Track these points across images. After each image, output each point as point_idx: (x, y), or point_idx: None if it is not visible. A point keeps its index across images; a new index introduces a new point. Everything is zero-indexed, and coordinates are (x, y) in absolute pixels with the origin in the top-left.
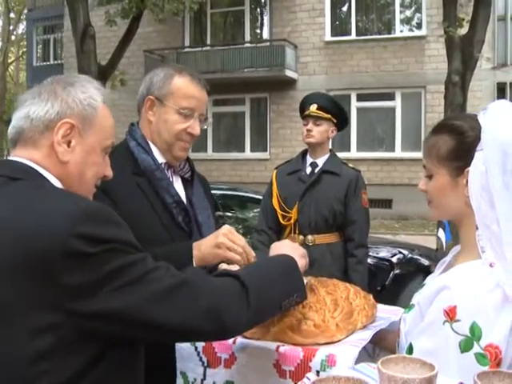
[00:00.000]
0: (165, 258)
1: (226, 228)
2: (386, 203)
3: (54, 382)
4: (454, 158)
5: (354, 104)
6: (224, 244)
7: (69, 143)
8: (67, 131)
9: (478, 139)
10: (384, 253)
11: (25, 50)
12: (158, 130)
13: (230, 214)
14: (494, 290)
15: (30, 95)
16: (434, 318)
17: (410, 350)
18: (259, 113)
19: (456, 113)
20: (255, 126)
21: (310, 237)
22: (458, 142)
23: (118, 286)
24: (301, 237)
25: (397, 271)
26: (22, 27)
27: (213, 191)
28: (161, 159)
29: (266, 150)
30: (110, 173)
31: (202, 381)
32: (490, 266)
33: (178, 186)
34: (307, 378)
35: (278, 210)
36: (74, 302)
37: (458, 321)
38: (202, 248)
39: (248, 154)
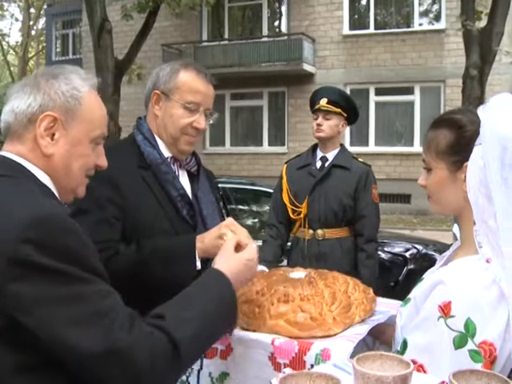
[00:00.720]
0: (167, 249)
1: (228, 220)
2: (405, 198)
3: None
4: (453, 152)
5: (373, 98)
6: (226, 235)
7: (52, 136)
8: (50, 124)
9: (476, 133)
10: (398, 248)
11: (44, 44)
12: (163, 124)
13: (245, 208)
14: (490, 287)
15: (16, 88)
16: (429, 313)
17: (405, 345)
18: (277, 107)
19: (474, 107)
20: (273, 120)
21: (319, 231)
22: (457, 136)
23: (48, 299)
24: (311, 231)
25: (410, 266)
26: (41, 22)
27: (228, 185)
28: (167, 153)
29: (283, 144)
30: (103, 163)
31: (199, 371)
32: (487, 261)
33: (184, 180)
34: (283, 372)
35: (288, 204)
36: (15, 311)
37: (452, 317)
38: (206, 240)
39: (266, 148)
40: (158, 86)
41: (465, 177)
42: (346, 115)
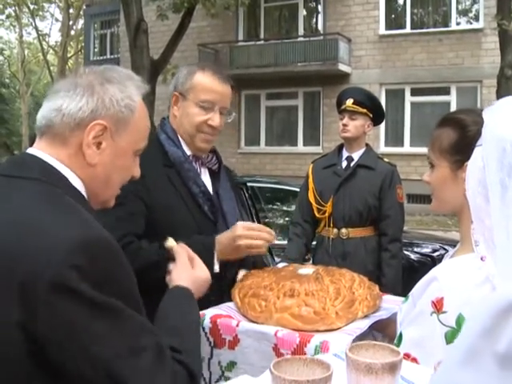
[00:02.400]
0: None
1: (241, 222)
2: None
3: None
4: (455, 151)
5: (408, 98)
6: (243, 235)
7: (99, 145)
8: (99, 133)
9: (479, 134)
10: (426, 248)
11: (83, 44)
12: (181, 124)
13: (275, 207)
14: (482, 284)
15: (65, 86)
16: (423, 308)
17: (400, 338)
18: (312, 107)
19: None
20: (308, 119)
21: (344, 230)
22: (460, 136)
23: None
24: (335, 230)
25: None
26: (80, 22)
27: (253, 184)
28: (189, 152)
29: (318, 144)
30: (137, 173)
31: (209, 360)
32: (481, 259)
33: (206, 177)
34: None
35: (314, 203)
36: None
37: (444, 312)
38: (223, 243)
39: (301, 147)
40: (177, 88)
41: (466, 176)
42: (371, 116)
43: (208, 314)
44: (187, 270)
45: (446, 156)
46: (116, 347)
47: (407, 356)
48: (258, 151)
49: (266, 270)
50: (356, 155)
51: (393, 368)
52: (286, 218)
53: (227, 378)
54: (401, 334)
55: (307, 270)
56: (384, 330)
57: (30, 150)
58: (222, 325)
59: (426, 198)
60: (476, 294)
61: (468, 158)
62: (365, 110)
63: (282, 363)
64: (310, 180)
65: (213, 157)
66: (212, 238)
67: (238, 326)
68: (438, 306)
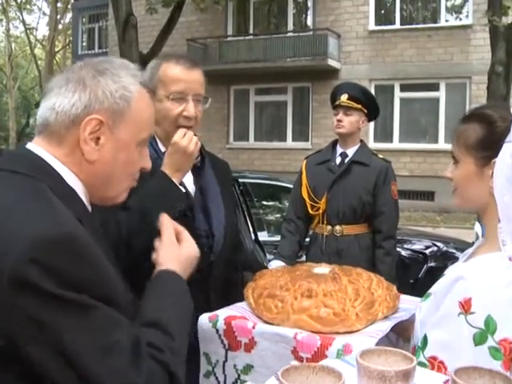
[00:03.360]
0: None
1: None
2: (428, 195)
3: None
4: (482, 147)
5: (398, 94)
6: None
7: (97, 140)
8: (95, 128)
9: (507, 130)
10: (418, 245)
11: (71, 38)
12: (156, 122)
13: (266, 203)
14: (510, 285)
15: (58, 83)
16: (449, 309)
17: (425, 340)
18: (301, 102)
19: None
20: (297, 115)
21: (338, 227)
22: (487, 132)
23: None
24: (329, 227)
25: (431, 264)
26: (68, 16)
27: (245, 180)
28: (163, 148)
29: (307, 140)
30: (147, 164)
31: (224, 362)
32: (510, 259)
33: (187, 173)
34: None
35: (307, 199)
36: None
37: (472, 313)
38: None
39: (290, 143)
40: (146, 84)
41: (492, 173)
42: (366, 111)
43: (221, 315)
44: (174, 248)
45: (471, 152)
46: (83, 345)
47: (434, 359)
48: (247, 147)
49: (280, 270)
50: (350, 151)
51: (406, 376)
52: (277, 215)
53: (243, 382)
54: (425, 337)
55: (323, 269)
56: (403, 333)
57: (28, 145)
58: (237, 327)
59: (415, 194)
60: (504, 295)
61: (495, 155)
62: (359, 106)
63: (290, 371)
64: (304, 176)
65: None
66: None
67: (254, 328)
68: (465, 307)
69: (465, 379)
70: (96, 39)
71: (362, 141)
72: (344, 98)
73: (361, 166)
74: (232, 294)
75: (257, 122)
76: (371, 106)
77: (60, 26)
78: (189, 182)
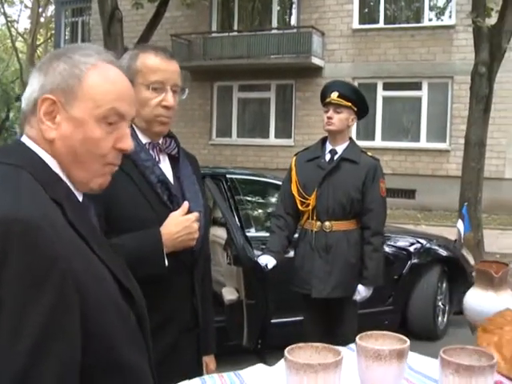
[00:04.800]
0: (134, 253)
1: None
2: (410, 193)
3: None
4: None
5: (380, 93)
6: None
7: (54, 119)
8: (49, 108)
9: None
10: (402, 242)
11: (53, 32)
12: (136, 111)
13: (251, 199)
14: None
15: (30, 75)
16: None
17: None
18: (285, 99)
19: (481, 105)
20: (280, 112)
21: (327, 223)
22: None
23: None
24: (318, 223)
25: (414, 261)
26: (50, 9)
27: (233, 176)
28: (144, 139)
29: (290, 137)
30: (125, 145)
31: None
32: None
33: (165, 164)
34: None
35: (297, 196)
36: None
37: None
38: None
39: (272, 140)
40: None
41: None
42: (356, 109)
43: None
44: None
45: None
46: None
47: None
48: (230, 143)
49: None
50: (340, 148)
51: (400, 355)
52: (261, 210)
53: None
54: None
55: None
56: None
57: (22, 136)
58: None
59: (396, 192)
60: None
61: None
62: (349, 104)
63: (295, 350)
64: (294, 173)
65: (171, 142)
66: (156, 229)
67: None
68: None
69: (454, 357)
70: (79, 33)
71: (351, 138)
72: (334, 95)
73: (350, 163)
74: (207, 288)
75: (240, 118)
76: (361, 104)
77: (42, 20)
78: (168, 172)
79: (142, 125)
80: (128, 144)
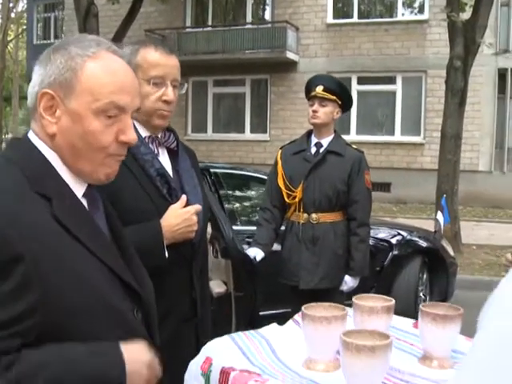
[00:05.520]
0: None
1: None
2: (385, 187)
3: None
4: None
5: (355, 87)
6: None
7: (54, 114)
8: (49, 102)
9: None
10: (383, 234)
11: (24, 27)
12: None
13: (233, 193)
14: None
15: (34, 69)
16: None
17: None
18: (259, 94)
19: (456, 98)
20: (255, 107)
21: (314, 215)
22: None
23: None
24: (305, 215)
25: (395, 252)
26: (21, 5)
27: (216, 170)
28: (144, 133)
29: (265, 132)
30: (128, 137)
31: None
32: None
33: (164, 157)
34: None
35: (283, 188)
36: None
37: None
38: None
39: (248, 135)
40: None
41: None
42: (340, 103)
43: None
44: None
45: None
46: None
47: None
48: (205, 138)
49: None
50: (325, 141)
51: (389, 310)
52: (244, 204)
53: None
54: None
55: None
56: None
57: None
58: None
59: (373, 186)
60: None
61: None
62: (334, 97)
63: (308, 308)
64: (279, 166)
65: (170, 135)
66: (157, 222)
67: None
68: None
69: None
70: (52, 29)
71: (335, 131)
72: (319, 89)
73: (336, 155)
74: (205, 280)
75: (215, 113)
76: (345, 97)
77: (12, 15)
78: (167, 165)
79: (142, 118)
80: (131, 136)
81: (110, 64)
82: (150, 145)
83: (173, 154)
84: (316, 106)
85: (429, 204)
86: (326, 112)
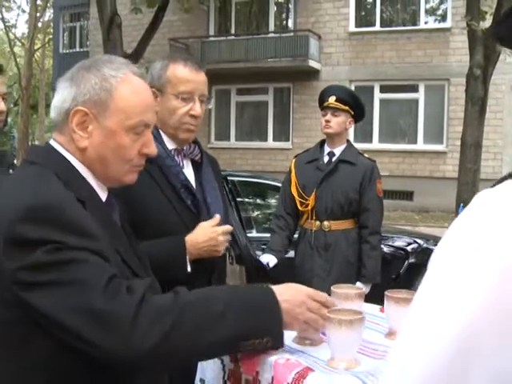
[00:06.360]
0: (158, 257)
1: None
2: (407, 195)
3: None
4: None
5: (377, 95)
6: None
7: (86, 129)
8: (82, 118)
9: None
10: (400, 242)
11: (51, 36)
12: (163, 119)
13: (251, 201)
14: None
15: (60, 83)
16: None
17: None
18: (282, 103)
19: (477, 107)
20: (278, 115)
21: (326, 223)
22: None
23: (40, 282)
24: (317, 222)
25: (411, 260)
26: (48, 14)
27: (234, 178)
28: (170, 146)
29: (288, 140)
30: (150, 151)
31: None
32: None
33: (188, 169)
34: None
35: (297, 196)
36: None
37: None
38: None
39: (270, 143)
40: (153, 83)
41: None
42: (353, 113)
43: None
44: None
45: None
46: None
47: None
48: (228, 146)
49: None
50: (337, 151)
51: (361, 296)
52: (261, 211)
53: None
54: None
55: None
56: None
57: (50, 140)
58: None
59: (394, 194)
60: None
61: None
62: (347, 108)
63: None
64: (293, 174)
65: (195, 147)
66: (182, 237)
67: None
68: None
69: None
70: (77, 38)
71: (348, 141)
72: (332, 99)
73: (348, 164)
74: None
75: (238, 121)
76: (358, 107)
77: (39, 24)
78: (191, 177)
79: (169, 131)
80: (153, 149)
81: (137, 85)
82: (176, 157)
83: (197, 165)
84: (329, 116)
85: (451, 213)
86: (339, 122)
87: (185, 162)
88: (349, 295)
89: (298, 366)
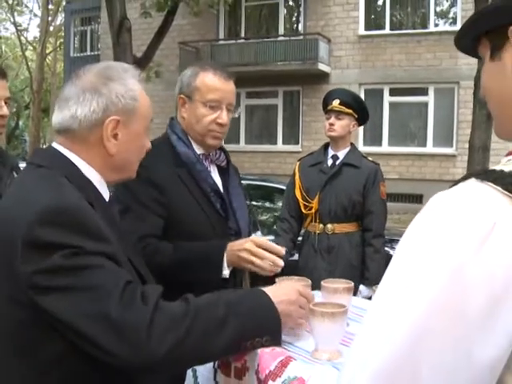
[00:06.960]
0: (197, 256)
1: (252, 237)
2: (417, 198)
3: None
4: None
5: (387, 98)
6: (248, 249)
7: (115, 136)
8: (115, 127)
9: None
10: None
11: (62, 40)
12: (191, 125)
13: (256, 203)
14: None
15: (74, 94)
16: None
17: None
18: (292, 106)
19: (484, 110)
20: (287, 118)
21: (329, 225)
22: None
23: (56, 287)
24: (321, 225)
25: None
26: (59, 18)
27: (243, 181)
28: (198, 151)
29: (297, 143)
30: (149, 144)
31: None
32: None
33: (215, 174)
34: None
35: (300, 199)
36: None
37: None
38: (231, 251)
39: (280, 146)
40: (182, 90)
41: None
42: (356, 116)
43: None
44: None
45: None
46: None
47: None
48: (238, 149)
49: None
50: (341, 154)
51: (349, 290)
52: (268, 214)
53: None
54: None
55: None
56: None
57: (54, 144)
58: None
59: (403, 197)
60: None
61: None
62: (350, 111)
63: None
64: (297, 177)
65: (221, 154)
66: (225, 242)
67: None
68: None
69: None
70: (88, 42)
71: (352, 144)
72: (336, 103)
73: (351, 167)
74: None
75: (247, 125)
76: (361, 111)
77: (51, 28)
78: (218, 182)
79: (196, 137)
80: (149, 143)
81: (143, 91)
82: (204, 162)
83: (222, 172)
84: (333, 119)
85: None
86: (343, 125)
87: (211, 167)
88: (337, 289)
89: (282, 354)
